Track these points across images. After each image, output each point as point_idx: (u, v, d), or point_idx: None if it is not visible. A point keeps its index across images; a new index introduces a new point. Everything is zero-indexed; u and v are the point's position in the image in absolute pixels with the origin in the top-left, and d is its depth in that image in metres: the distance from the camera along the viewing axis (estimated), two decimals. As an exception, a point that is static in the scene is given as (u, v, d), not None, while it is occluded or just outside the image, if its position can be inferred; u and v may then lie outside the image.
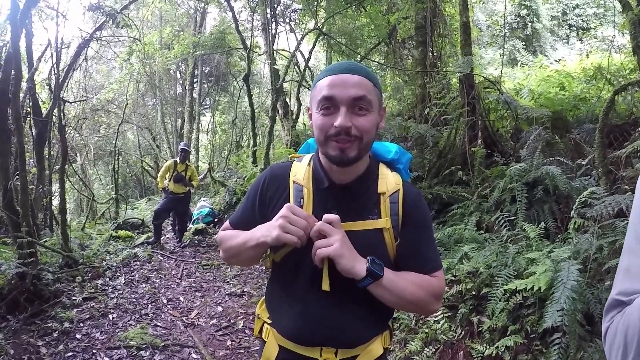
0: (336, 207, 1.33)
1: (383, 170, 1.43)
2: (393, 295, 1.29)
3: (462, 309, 3.36)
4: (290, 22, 13.50)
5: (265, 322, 1.49)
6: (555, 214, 4.07)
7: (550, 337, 2.69)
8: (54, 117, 6.82)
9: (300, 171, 1.42)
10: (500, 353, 2.90)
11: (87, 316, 4.59)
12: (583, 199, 3.14)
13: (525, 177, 4.28)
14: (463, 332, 3.28)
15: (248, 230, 1.43)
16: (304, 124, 14.54)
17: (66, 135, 7.64)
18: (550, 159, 4.42)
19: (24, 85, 6.13)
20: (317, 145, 1.34)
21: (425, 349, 3.29)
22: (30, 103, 6.54)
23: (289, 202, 1.36)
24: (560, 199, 4.18)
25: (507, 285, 3.02)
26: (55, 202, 8.42)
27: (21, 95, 5.78)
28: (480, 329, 3.17)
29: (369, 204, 1.37)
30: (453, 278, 3.61)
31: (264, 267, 6.08)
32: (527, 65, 15.31)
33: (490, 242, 3.83)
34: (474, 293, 3.41)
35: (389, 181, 1.39)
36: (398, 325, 3.73)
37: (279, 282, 1.47)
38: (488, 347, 3.00)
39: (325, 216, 1.25)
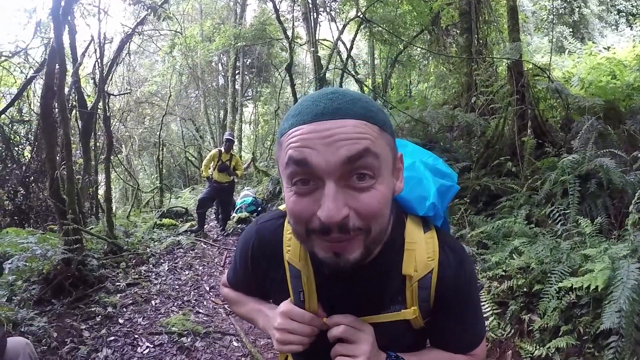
0: (346, 299, 0.98)
1: (411, 232, 0.97)
2: None
3: (512, 306, 3.19)
4: (331, 12, 13.37)
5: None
6: (608, 209, 3.84)
7: (603, 339, 2.52)
8: (99, 109, 7.01)
9: (295, 244, 1.00)
10: (550, 354, 2.74)
11: (130, 301, 4.67)
12: (643, 194, 2.94)
13: (577, 169, 4.06)
14: (512, 331, 3.12)
15: (249, 291, 1.22)
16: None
17: (111, 127, 7.83)
18: (604, 150, 4.18)
19: (69, 79, 6.29)
20: (296, 238, 0.90)
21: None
22: (76, 96, 6.72)
23: (287, 289, 1.03)
24: (614, 194, 3.95)
25: (561, 282, 2.86)
26: (101, 191, 8.66)
27: (66, 89, 5.93)
28: (530, 328, 3.01)
29: (390, 290, 0.97)
30: (503, 273, 3.44)
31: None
32: (574, 52, 14.72)
33: (542, 237, 3.65)
34: (525, 290, 3.23)
35: (419, 255, 0.95)
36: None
37: None
38: (538, 347, 2.83)
39: (331, 324, 0.95)
